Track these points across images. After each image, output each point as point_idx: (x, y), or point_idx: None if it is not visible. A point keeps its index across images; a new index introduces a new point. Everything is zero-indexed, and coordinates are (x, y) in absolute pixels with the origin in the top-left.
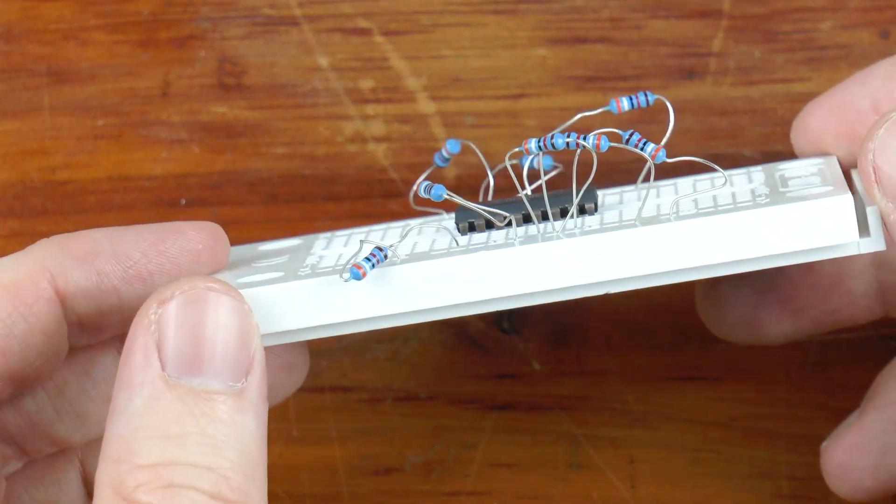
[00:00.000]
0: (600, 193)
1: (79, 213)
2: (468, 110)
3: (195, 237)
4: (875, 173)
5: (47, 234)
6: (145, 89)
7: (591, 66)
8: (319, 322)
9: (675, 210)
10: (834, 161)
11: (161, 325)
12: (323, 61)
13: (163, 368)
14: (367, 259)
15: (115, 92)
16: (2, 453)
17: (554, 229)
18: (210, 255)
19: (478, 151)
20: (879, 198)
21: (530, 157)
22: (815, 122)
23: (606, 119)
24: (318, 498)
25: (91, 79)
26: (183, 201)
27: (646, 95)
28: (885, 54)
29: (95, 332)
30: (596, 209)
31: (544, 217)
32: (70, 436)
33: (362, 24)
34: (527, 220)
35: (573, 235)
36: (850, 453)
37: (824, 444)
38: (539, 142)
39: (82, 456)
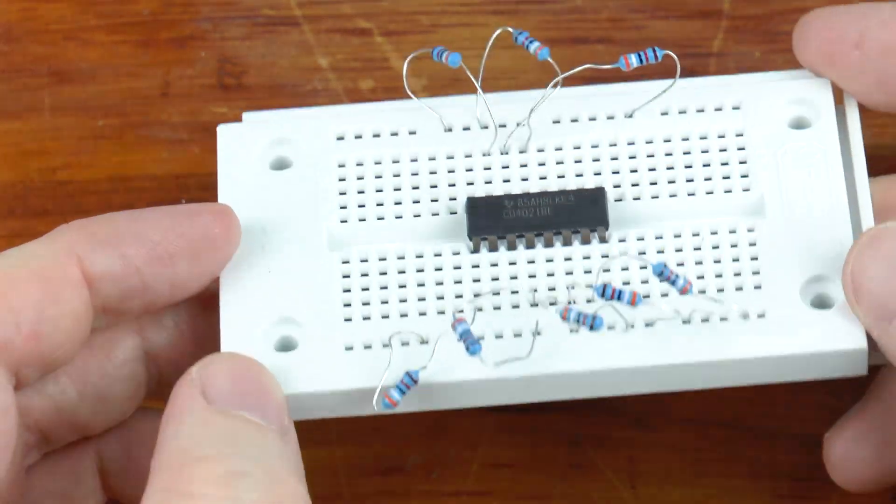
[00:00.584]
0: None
1: (79, 213)
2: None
3: (210, 221)
4: (855, 291)
5: None
6: (146, 89)
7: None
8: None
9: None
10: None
11: (204, 376)
12: (323, 62)
13: (209, 404)
14: (399, 389)
15: (115, 92)
16: (25, 441)
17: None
18: (224, 238)
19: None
20: (862, 316)
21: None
22: (810, 35)
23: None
24: (318, 498)
25: (91, 79)
26: (183, 201)
27: (654, 51)
28: None
29: (117, 315)
30: (607, 227)
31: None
32: (91, 420)
33: (362, 24)
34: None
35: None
36: (851, 444)
37: (827, 434)
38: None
39: (99, 447)
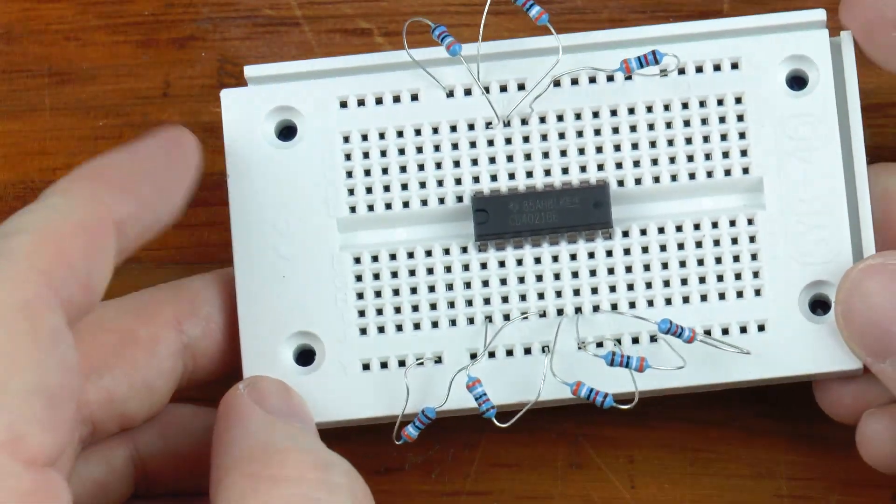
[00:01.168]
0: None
1: None
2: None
3: (186, 152)
4: (847, 328)
5: None
6: (146, 90)
7: None
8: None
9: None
10: None
11: (254, 392)
12: None
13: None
14: (416, 426)
15: (115, 92)
16: (80, 436)
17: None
18: (193, 154)
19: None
20: (852, 346)
21: None
22: (854, 12)
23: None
24: None
25: (92, 79)
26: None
27: (654, 55)
28: None
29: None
30: (611, 226)
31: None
32: (137, 413)
33: (362, 24)
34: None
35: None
36: (884, 423)
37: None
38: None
39: (135, 436)
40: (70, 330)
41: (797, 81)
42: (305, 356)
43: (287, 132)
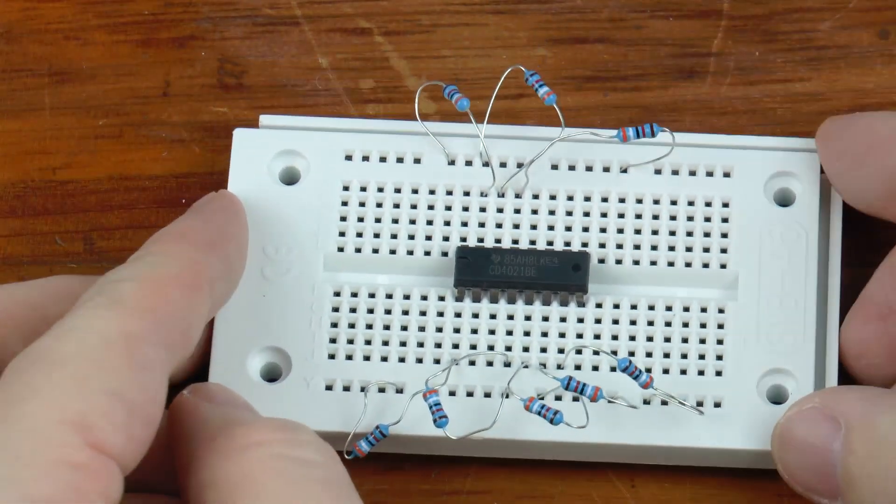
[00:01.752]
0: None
1: (80, 212)
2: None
3: (241, 214)
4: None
5: (48, 234)
6: (146, 89)
7: (591, 66)
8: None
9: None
10: None
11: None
12: (323, 61)
13: None
14: (368, 441)
15: (115, 92)
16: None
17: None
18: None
19: (483, 146)
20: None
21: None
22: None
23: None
24: None
25: (92, 79)
26: (184, 201)
27: (651, 127)
28: (883, 54)
29: None
30: (586, 292)
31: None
32: (176, 376)
33: (362, 24)
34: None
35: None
36: (863, 325)
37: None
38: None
39: None
40: (165, 372)
41: (784, 198)
42: (272, 377)
43: (291, 177)
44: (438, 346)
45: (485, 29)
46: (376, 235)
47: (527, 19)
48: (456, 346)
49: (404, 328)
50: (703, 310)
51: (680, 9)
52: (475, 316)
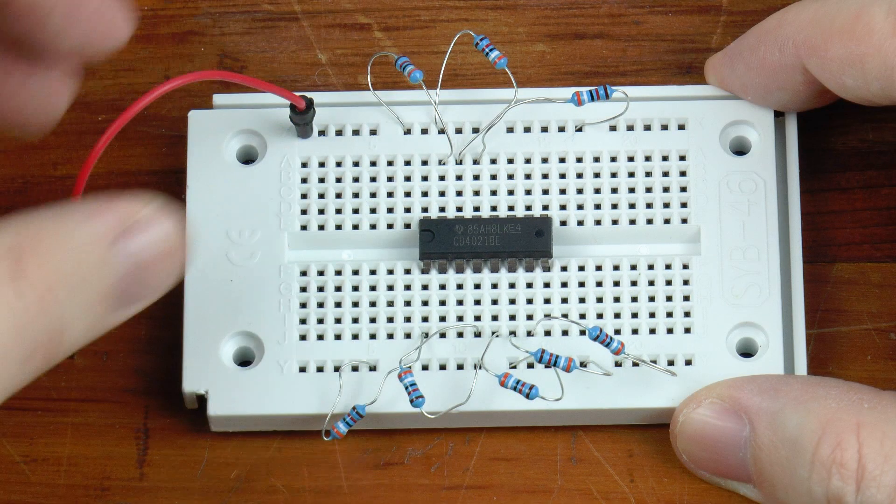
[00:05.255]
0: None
1: None
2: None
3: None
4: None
5: None
6: (145, 84)
7: (590, 62)
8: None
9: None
10: None
11: None
12: (322, 57)
13: None
14: (346, 422)
15: (115, 87)
16: None
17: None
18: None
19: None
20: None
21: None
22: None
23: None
24: (317, 491)
25: (91, 74)
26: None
27: (605, 89)
28: None
29: None
30: (550, 257)
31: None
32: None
33: (362, 19)
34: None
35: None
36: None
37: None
38: None
39: None
40: None
41: (740, 147)
42: (245, 361)
43: (249, 156)
44: (408, 320)
45: (484, 25)
46: (338, 211)
47: (526, 15)
48: (425, 320)
49: (373, 304)
50: (668, 266)
51: (679, 4)
52: (442, 287)
